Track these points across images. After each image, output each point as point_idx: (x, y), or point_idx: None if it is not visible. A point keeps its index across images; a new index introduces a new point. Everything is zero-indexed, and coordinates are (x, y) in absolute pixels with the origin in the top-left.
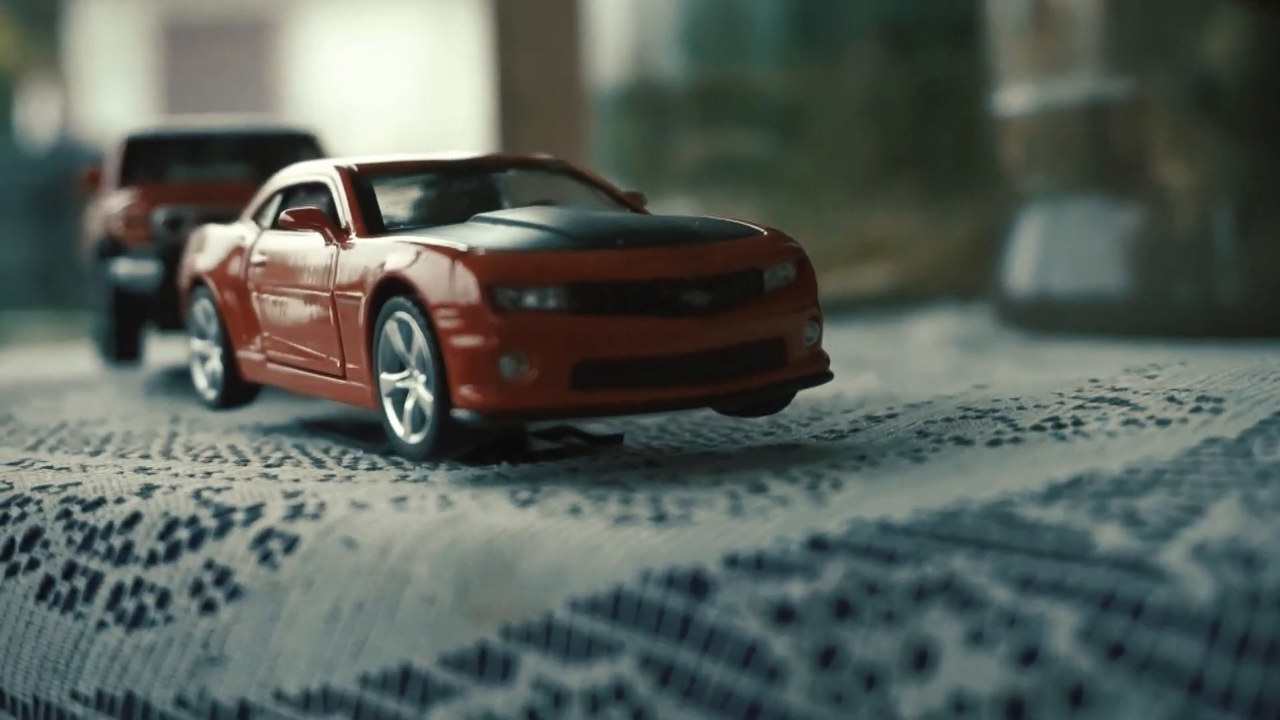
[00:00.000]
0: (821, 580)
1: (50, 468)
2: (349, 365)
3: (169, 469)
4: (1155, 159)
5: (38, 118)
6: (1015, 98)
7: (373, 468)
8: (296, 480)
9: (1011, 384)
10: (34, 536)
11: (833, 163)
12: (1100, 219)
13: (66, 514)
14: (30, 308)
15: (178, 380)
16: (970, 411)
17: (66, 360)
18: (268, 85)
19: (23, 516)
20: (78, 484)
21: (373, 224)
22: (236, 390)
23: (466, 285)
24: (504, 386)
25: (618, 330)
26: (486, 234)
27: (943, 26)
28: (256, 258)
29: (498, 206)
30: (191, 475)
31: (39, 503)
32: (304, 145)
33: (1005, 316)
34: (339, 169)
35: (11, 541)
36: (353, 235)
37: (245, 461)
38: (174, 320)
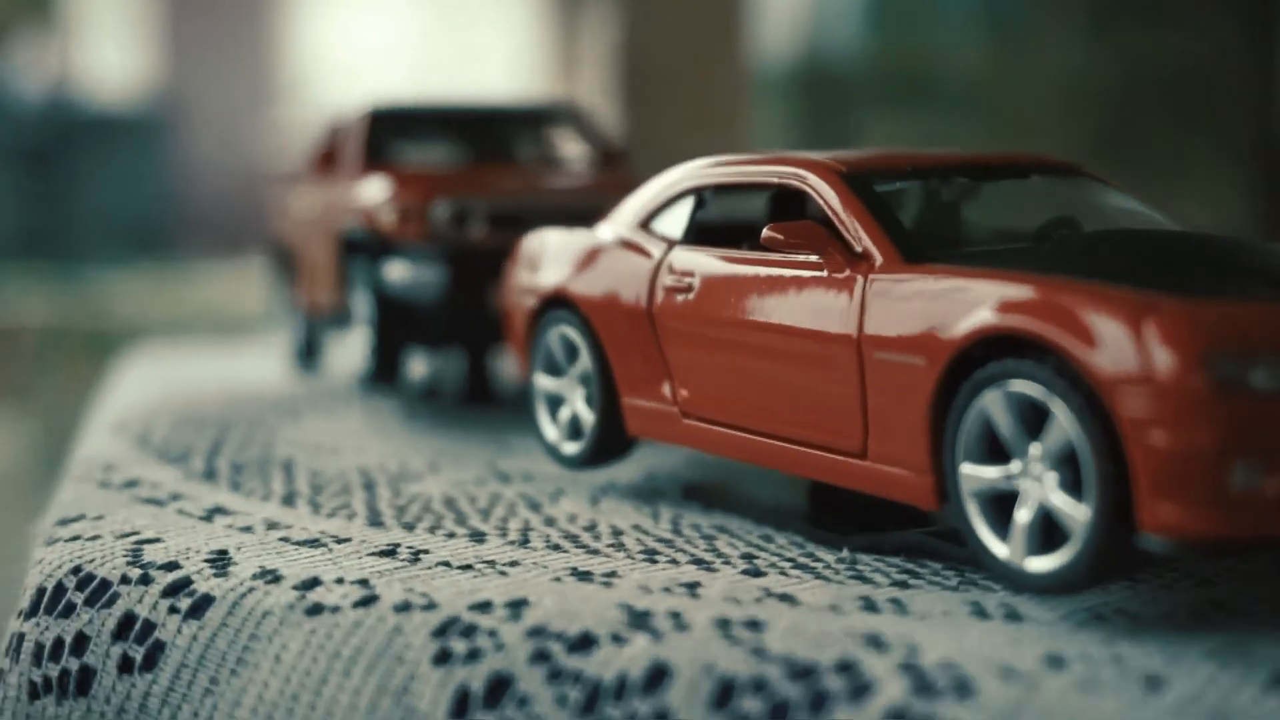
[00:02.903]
0: None
1: (446, 565)
2: (876, 443)
3: (614, 572)
4: None
5: (31, 71)
6: None
7: (902, 584)
8: (834, 608)
9: None
10: (501, 687)
11: (1030, 150)
12: None
13: (543, 655)
14: (22, 265)
15: (421, 407)
16: None
17: (235, 361)
18: (268, 38)
19: (475, 655)
20: (525, 602)
21: (909, 250)
22: (612, 445)
23: (1166, 353)
24: (1231, 504)
25: None
26: (1126, 269)
27: (1148, 3)
28: (671, 280)
29: (959, 220)
30: (666, 590)
31: (492, 633)
32: (568, 121)
33: None
34: (818, 167)
35: (465, 693)
36: (879, 264)
37: (706, 565)
38: (454, 338)
